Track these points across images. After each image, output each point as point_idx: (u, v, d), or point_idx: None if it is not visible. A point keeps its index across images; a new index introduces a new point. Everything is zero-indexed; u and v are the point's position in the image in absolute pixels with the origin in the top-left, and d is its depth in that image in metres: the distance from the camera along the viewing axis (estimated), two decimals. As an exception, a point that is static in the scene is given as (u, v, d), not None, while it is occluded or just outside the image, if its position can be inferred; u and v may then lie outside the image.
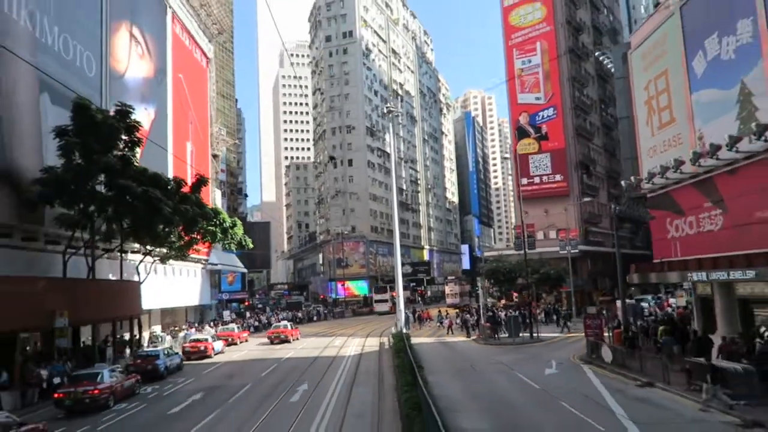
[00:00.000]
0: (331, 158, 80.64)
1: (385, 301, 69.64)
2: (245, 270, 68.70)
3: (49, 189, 24.38)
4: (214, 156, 56.66)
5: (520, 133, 56.09)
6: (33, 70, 26.06)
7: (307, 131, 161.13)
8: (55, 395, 19.06)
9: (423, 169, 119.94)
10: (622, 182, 26.26)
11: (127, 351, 30.16)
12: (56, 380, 21.97)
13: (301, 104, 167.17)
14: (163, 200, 25.15)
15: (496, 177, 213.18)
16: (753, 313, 20.66)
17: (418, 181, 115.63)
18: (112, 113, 25.93)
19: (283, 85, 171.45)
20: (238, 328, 43.08)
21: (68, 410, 18.81)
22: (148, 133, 36.75)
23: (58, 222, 25.10)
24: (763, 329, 19.59)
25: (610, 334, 26.92)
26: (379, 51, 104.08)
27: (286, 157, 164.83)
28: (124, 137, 25.75)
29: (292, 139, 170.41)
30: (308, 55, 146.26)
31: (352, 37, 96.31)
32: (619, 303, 30.67)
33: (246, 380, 23.84)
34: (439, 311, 50.08)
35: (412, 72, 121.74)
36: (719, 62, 19.94)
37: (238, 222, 35.47)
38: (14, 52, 23.96)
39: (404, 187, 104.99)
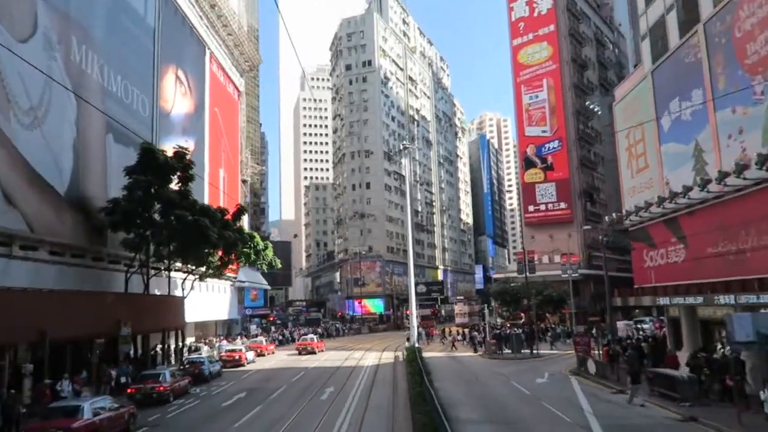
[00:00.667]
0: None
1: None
2: (269, 287, 72.94)
3: (116, 217, 28.87)
4: (243, 181, 61.39)
5: (527, 163, 60.14)
6: (102, 115, 30.82)
7: (326, 152, 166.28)
8: (129, 390, 23.26)
9: (438, 191, 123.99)
10: (606, 218, 30.21)
11: (172, 358, 34.43)
12: (122, 379, 26.23)
13: (320, 126, 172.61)
14: (211, 228, 29.58)
15: (511, 198, 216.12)
16: (711, 332, 24.32)
17: (433, 203, 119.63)
18: (170, 154, 30.52)
19: (304, 108, 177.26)
20: (265, 340, 47.27)
21: (138, 403, 22.90)
22: (174, 153, 41.51)
23: (125, 245, 29.59)
24: (719, 347, 23.24)
25: (600, 350, 30.59)
26: (397, 79, 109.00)
27: (306, 177, 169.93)
28: (179, 173, 30.28)
29: (311, 160, 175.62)
30: (328, 79, 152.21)
31: (371, 66, 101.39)
32: (619, 323, 34.33)
33: (280, 383, 27.92)
34: (443, 329, 53.83)
35: (428, 98, 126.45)
36: (680, 121, 23.91)
37: (270, 245, 39.87)
38: (89, 102, 28.68)
39: (419, 209, 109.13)
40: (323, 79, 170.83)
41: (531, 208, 58.96)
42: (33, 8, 26.09)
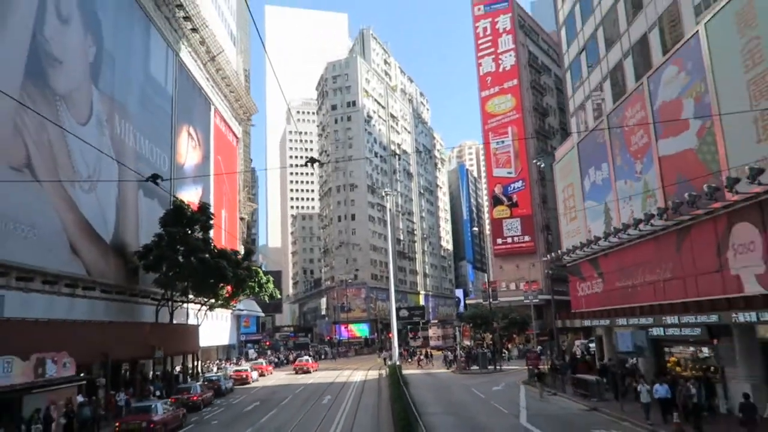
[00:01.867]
0: (315, 160, 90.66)
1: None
2: (263, 314, 78.90)
3: (150, 261, 35.31)
4: (241, 219, 67.95)
5: (495, 201, 67.65)
6: (135, 175, 37.45)
7: (312, 182, 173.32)
8: (171, 399, 29.53)
9: (419, 220, 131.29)
10: (547, 256, 37.44)
11: (188, 377, 40.59)
12: (157, 393, 32.44)
13: (306, 158, 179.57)
14: (227, 268, 36.19)
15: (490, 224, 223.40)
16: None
17: (415, 232, 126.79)
18: (187, 201, 37.27)
19: (290, 140, 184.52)
20: (265, 362, 53.46)
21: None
22: (197, 207, 48.20)
23: (156, 283, 36.01)
24: (632, 360, 30.22)
25: (548, 364, 37.47)
26: (379, 116, 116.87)
27: (292, 207, 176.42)
28: (201, 224, 36.98)
29: (297, 190, 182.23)
30: (313, 112, 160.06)
31: (355, 106, 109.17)
32: (577, 341, 41.29)
33: (286, 395, 34.35)
34: (412, 349, 60.61)
35: (409, 132, 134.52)
36: (595, 185, 31.28)
37: (271, 278, 46.36)
38: (128, 167, 35.36)
39: (402, 238, 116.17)
40: (309, 113, 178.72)
41: (499, 240, 66.33)
42: (89, 97, 32.90)
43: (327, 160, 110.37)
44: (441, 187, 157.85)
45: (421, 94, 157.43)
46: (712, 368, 23.05)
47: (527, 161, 63.35)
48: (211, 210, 40.09)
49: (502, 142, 66.92)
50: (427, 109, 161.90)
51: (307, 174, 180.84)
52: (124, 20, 38.12)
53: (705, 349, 23.76)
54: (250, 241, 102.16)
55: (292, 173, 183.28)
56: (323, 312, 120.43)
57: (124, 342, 30.64)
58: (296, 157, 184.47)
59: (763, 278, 18.31)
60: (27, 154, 26.54)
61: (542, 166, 49.96)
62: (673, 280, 23.76)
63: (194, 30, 49.14)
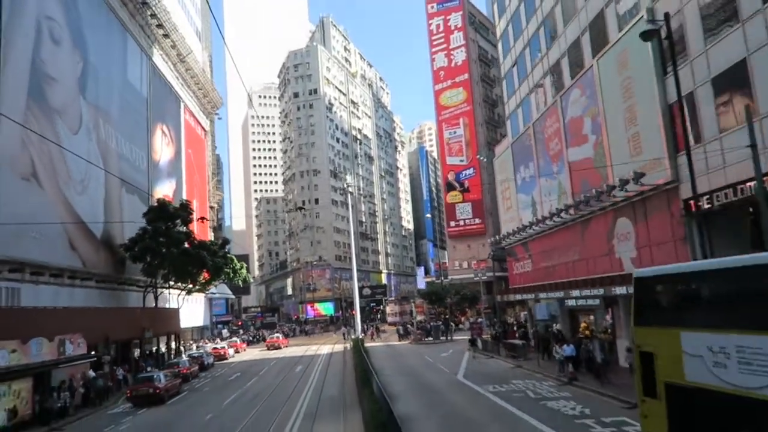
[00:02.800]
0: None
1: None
2: (234, 297, 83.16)
3: (136, 252, 39.42)
4: (211, 207, 71.76)
5: (449, 186, 73.25)
6: (118, 174, 41.31)
7: (275, 166, 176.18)
8: (129, 391, 34.07)
9: (380, 202, 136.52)
10: (489, 240, 43.14)
11: (173, 355, 45.05)
12: (149, 368, 36.94)
13: (269, 141, 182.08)
14: (207, 257, 40.65)
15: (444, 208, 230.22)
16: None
17: (376, 213, 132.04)
18: (178, 205, 41.46)
19: (252, 125, 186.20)
20: (239, 340, 58.21)
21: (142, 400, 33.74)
22: (172, 199, 52.19)
23: (144, 273, 40.22)
24: (556, 326, 36.19)
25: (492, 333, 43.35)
26: (340, 103, 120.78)
27: (256, 190, 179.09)
28: (182, 215, 41.22)
29: (261, 174, 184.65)
30: (274, 96, 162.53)
31: (316, 94, 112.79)
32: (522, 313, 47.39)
33: (262, 367, 39.33)
34: (365, 325, 66.21)
35: (369, 117, 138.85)
36: (524, 181, 36.89)
37: (244, 264, 50.92)
38: (112, 173, 39.22)
39: (364, 220, 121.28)
40: (271, 97, 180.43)
41: (452, 223, 72.10)
42: (79, 108, 36.58)
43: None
44: (401, 169, 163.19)
45: (381, 79, 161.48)
46: (609, 330, 29.04)
47: (477, 150, 68.85)
48: (192, 206, 44.13)
49: (455, 132, 72.30)
50: (387, 93, 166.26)
51: (270, 158, 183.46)
52: (104, 33, 41.51)
53: (608, 317, 29.76)
54: (218, 226, 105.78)
55: (255, 158, 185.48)
56: (289, 292, 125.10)
57: (120, 325, 35.06)
58: (259, 141, 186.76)
59: (635, 260, 24.09)
60: (32, 165, 30.40)
61: (484, 160, 55.46)
62: (579, 261, 29.56)
63: (165, 35, 52.46)
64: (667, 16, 17.29)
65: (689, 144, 17.58)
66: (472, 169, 69.39)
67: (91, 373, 28.49)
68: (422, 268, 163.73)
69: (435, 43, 74.72)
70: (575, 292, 28.60)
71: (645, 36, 16.37)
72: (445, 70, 73.58)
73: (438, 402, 21.35)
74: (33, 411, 22.76)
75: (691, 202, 19.83)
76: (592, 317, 30.08)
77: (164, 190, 52.92)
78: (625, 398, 18.79)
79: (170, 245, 40.04)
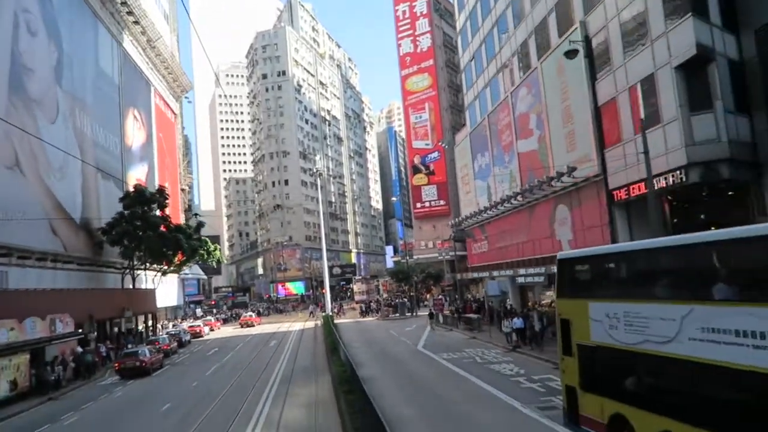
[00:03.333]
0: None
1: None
2: (206, 277, 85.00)
3: (114, 236, 41.28)
4: (182, 189, 73.18)
5: (414, 170, 76.07)
6: (94, 160, 42.87)
7: (243, 146, 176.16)
8: (117, 364, 36.41)
9: (350, 182, 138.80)
10: (449, 222, 46.23)
11: (150, 333, 47.22)
12: (130, 345, 39.15)
13: (236, 121, 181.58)
14: (183, 240, 42.75)
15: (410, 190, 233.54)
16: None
17: (345, 194, 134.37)
18: (154, 190, 43.25)
19: (220, 104, 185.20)
20: (213, 319, 60.52)
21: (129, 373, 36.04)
22: (145, 183, 53.86)
23: (122, 255, 42.13)
24: (509, 301, 39.57)
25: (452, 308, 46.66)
26: (309, 84, 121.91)
27: (224, 170, 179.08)
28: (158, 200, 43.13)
29: (229, 154, 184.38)
30: (242, 75, 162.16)
31: (285, 75, 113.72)
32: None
33: (237, 343, 41.89)
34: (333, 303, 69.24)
35: (338, 98, 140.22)
36: (481, 168, 39.89)
37: (218, 246, 53.04)
38: (86, 162, 40.79)
39: (333, 200, 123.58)
40: (238, 76, 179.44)
41: (418, 204, 75.14)
42: (56, 97, 37.98)
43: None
44: (370, 150, 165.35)
45: (350, 60, 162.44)
46: (552, 303, 32.45)
47: (442, 134, 71.65)
48: (167, 191, 45.99)
49: (420, 116, 74.93)
50: (356, 74, 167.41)
51: (238, 138, 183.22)
52: (77, 22, 42.62)
53: (548, 292, 33.17)
54: (188, 208, 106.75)
55: (223, 137, 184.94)
56: (260, 272, 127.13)
57: (102, 304, 37.18)
58: (226, 120, 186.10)
59: (572, 242, 27.32)
60: (15, 154, 32.02)
61: (446, 147, 58.33)
62: (527, 242, 32.80)
63: (135, 22, 53.46)
64: (587, 39, 20.23)
65: (603, 144, 20.65)
66: (437, 152, 72.22)
67: (79, 349, 30.69)
68: (391, 247, 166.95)
69: (401, 29, 76.77)
70: (523, 271, 31.86)
71: (568, 55, 19.25)
72: (411, 56, 75.84)
73: (397, 367, 24.40)
74: (30, 383, 25.00)
75: (614, 192, 23.07)
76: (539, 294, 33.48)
77: (137, 174, 54.42)
78: (556, 361, 22.07)
79: (147, 229, 42.03)
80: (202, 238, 50.93)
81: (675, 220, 21.53)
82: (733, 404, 8.15)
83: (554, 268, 27.20)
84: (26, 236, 32.27)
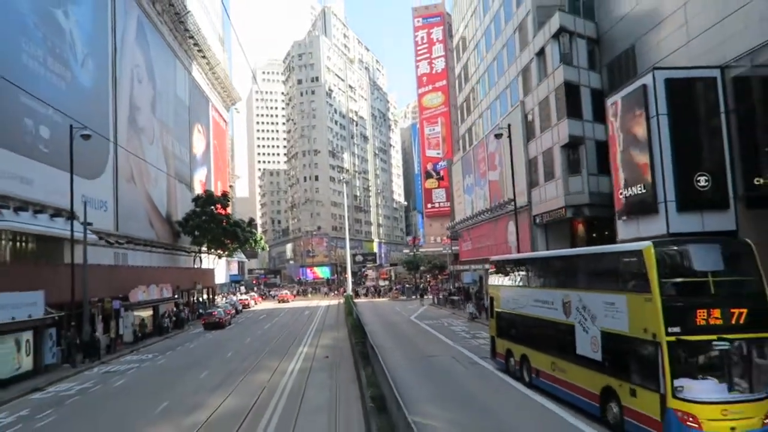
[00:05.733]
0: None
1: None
2: (246, 260, 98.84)
3: (189, 228, 54.65)
4: (230, 186, 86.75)
5: (427, 175, 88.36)
6: (173, 171, 56.23)
7: (277, 138, 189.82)
8: (213, 313, 49.81)
9: (374, 177, 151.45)
10: (446, 225, 58.60)
11: (210, 302, 60.79)
12: (201, 310, 52.59)
13: (271, 116, 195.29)
14: (240, 233, 56.05)
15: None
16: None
17: (369, 188, 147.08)
18: (219, 194, 56.66)
19: (257, 99, 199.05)
20: (256, 295, 74.21)
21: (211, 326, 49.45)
22: (205, 183, 67.51)
23: (193, 242, 55.62)
24: (474, 288, 51.84)
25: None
26: (339, 89, 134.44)
27: (259, 161, 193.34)
28: (222, 202, 56.46)
29: (263, 146, 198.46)
30: (278, 72, 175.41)
31: (318, 81, 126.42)
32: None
33: (279, 312, 55.14)
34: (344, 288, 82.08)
35: (365, 99, 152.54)
36: (468, 186, 52.08)
37: (263, 236, 66.23)
38: (168, 173, 54.16)
39: (358, 194, 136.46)
40: (275, 73, 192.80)
41: (429, 205, 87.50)
42: (152, 124, 51.24)
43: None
44: (394, 146, 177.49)
45: (377, 61, 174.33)
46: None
47: (451, 146, 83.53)
48: (228, 194, 59.32)
49: (434, 129, 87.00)
50: (383, 75, 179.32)
51: (272, 132, 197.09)
52: (164, 64, 55.88)
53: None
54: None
55: (258, 130, 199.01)
56: (288, 256, 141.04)
57: (182, 279, 50.75)
58: (262, 115, 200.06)
59: (515, 249, 39.42)
60: (131, 171, 45.46)
61: (447, 165, 70.52)
62: (493, 245, 45.00)
63: (201, 54, 66.65)
64: (509, 127, 32.36)
65: (531, 184, 32.89)
66: (446, 161, 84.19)
67: (174, 309, 44.18)
68: (411, 238, 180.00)
69: (419, 52, 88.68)
70: (488, 266, 44.13)
71: (496, 136, 31.46)
72: (427, 76, 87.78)
73: (391, 327, 37.20)
74: (153, 327, 38.43)
75: (535, 216, 35.34)
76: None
77: (199, 176, 67.93)
78: (491, 325, 34.51)
79: (212, 223, 55.41)
80: (253, 231, 64.29)
81: (577, 237, 33.69)
82: (550, 337, 16.84)
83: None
84: (136, 229, 45.76)
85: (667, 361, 10.98)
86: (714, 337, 11.04)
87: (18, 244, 31.17)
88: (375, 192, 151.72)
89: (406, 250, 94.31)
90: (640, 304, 11.93)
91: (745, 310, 11.35)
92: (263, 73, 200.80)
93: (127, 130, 44.91)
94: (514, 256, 26.51)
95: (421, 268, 76.67)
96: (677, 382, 10.92)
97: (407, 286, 68.21)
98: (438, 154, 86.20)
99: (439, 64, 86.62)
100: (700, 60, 23.17)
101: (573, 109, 30.72)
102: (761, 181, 20.58)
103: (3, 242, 29.15)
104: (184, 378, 21.67)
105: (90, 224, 29.61)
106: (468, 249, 54.21)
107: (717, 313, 11.29)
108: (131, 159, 45.16)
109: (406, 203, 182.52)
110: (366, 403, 13.71)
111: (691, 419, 10.68)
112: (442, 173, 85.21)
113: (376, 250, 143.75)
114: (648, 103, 22.21)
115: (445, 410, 15.00)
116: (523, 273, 20.40)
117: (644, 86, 22.45)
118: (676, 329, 11.10)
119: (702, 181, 21.44)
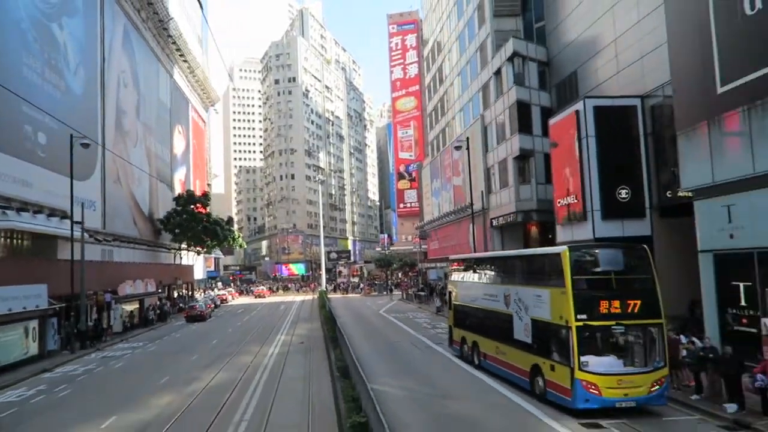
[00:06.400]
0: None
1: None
2: (223, 257, 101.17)
3: (170, 226, 57.25)
4: (208, 184, 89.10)
5: (400, 176, 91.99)
6: (156, 171, 58.75)
7: (254, 137, 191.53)
8: (193, 306, 52.64)
9: (349, 176, 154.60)
10: (415, 225, 62.28)
11: (189, 297, 63.45)
12: (181, 304, 55.36)
13: (248, 113, 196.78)
14: (219, 231, 58.86)
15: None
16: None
17: (345, 187, 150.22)
18: (200, 193, 59.33)
19: (233, 96, 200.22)
20: (233, 290, 76.95)
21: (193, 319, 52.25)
22: (184, 182, 70.06)
23: (173, 240, 58.24)
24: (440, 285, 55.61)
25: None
26: (316, 89, 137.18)
27: (235, 159, 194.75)
28: (202, 201, 59.17)
29: (240, 143, 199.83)
30: (255, 70, 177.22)
31: (295, 82, 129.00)
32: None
33: (256, 306, 58.16)
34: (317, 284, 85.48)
35: (342, 99, 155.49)
36: (435, 189, 55.76)
37: (241, 234, 69.01)
38: (150, 173, 56.70)
39: (333, 192, 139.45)
40: (251, 71, 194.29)
41: (402, 205, 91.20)
42: (136, 128, 53.74)
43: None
44: (369, 146, 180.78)
45: (354, 62, 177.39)
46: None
47: (423, 148, 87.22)
48: (208, 192, 62.03)
49: (406, 132, 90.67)
50: (360, 75, 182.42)
51: (250, 129, 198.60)
52: (148, 69, 58.29)
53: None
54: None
55: (235, 128, 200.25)
56: (263, 253, 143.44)
57: (164, 274, 53.44)
58: (238, 112, 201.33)
59: (474, 249, 43.17)
60: (117, 172, 48.01)
61: (417, 169, 74.28)
62: (457, 245, 48.74)
63: (183, 58, 69.06)
64: (468, 140, 36.05)
65: (489, 190, 36.66)
66: (418, 163, 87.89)
67: (157, 302, 46.94)
68: (385, 236, 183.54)
69: (393, 58, 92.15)
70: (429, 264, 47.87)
71: (456, 148, 35.11)
72: (401, 81, 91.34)
73: (360, 318, 40.67)
74: (139, 319, 41.21)
75: (492, 220, 39.12)
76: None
77: (179, 175, 70.36)
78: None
79: (192, 221, 58.10)
80: (232, 229, 67.09)
81: (530, 238, 37.54)
82: (495, 325, 20.13)
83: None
84: (121, 226, 48.34)
85: (575, 341, 14.06)
86: (613, 323, 14.29)
87: (15, 241, 33.77)
88: (350, 190, 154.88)
89: (378, 248, 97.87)
90: (558, 296, 15.04)
91: (639, 302, 14.51)
92: (240, 70, 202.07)
93: (113, 134, 47.42)
94: (468, 255, 30.14)
95: (393, 265, 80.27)
96: (583, 359, 14.01)
97: (377, 282, 71.70)
98: (410, 156, 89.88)
99: (413, 70, 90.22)
100: (627, 89, 27.12)
101: (524, 125, 34.54)
102: (671, 194, 24.56)
103: (5, 240, 31.76)
104: (177, 360, 24.80)
105: (80, 223, 32.40)
106: (435, 248, 57.92)
107: (617, 303, 14.42)
108: (117, 161, 47.71)
109: (380, 202, 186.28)
110: (333, 372, 17.13)
111: (593, 387, 13.83)
112: (414, 175, 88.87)
113: (350, 247, 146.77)
114: (579, 126, 26.05)
115: (398, 381, 18.51)
116: (475, 270, 23.65)
117: (577, 111, 26.28)
118: (584, 316, 14.22)
119: (623, 193, 25.35)
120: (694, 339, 16.22)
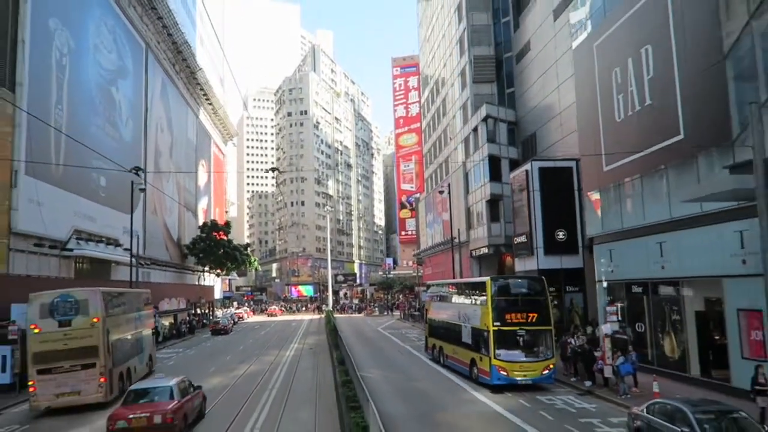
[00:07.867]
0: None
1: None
2: (236, 278, 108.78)
3: (196, 251, 65.03)
4: (226, 212, 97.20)
5: (402, 206, 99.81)
6: (183, 202, 66.75)
7: (266, 162, 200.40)
8: (211, 327, 59.94)
9: (356, 203, 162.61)
10: (413, 252, 69.72)
11: (211, 315, 70.92)
12: (205, 321, 62.76)
13: (261, 140, 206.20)
14: (239, 256, 66.58)
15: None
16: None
17: (352, 213, 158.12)
18: (222, 222, 67.29)
19: (247, 124, 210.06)
20: (249, 309, 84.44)
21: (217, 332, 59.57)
22: (206, 210, 78.13)
23: (199, 263, 65.99)
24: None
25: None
26: (326, 121, 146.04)
27: (248, 184, 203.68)
28: (224, 229, 67.03)
29: (252, 169, 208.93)
30: (269, 99, 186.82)
31: (306, 114, 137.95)
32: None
33: (270, 324, 65.52)
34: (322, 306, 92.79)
35: (350, 130, 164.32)
36: (429, 221, 63.26)
37: (257, 259, 76.67)
38: (179, 202, 64.77)
39: (341, 218, 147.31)
40: (265, 100, 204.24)
41: (403, 232, 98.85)
42: (170, 166, 61.95)
43: (282, 170, 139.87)
44: (376, 173, 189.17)
45: (362, 93, 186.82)
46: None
47: (423, 181, 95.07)
48: (225, 221, 70.00)
49: (408, 165, 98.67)
50: (368, 105, 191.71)
51: (262, 156, 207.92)
52: (179, 113, 66.73)
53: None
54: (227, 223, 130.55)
55: (248, 154, 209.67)
56: (274, 275, 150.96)
57: (190, 294, 61.09)
58: (252, 139, 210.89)
59: (460, 275, 50.45)
60: (154, 204, 56.06)
61: (415, 200, 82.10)
62: (445, 271, 56.00)
63: (208, 100, 77.68)
64: (449, 186, 43.69)
65: (469, 226, 44.21)
66: (419, 194, 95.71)
67: (187, 317, 54.48)
68: (391, 259, 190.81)
69: (397, 97, 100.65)
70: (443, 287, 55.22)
71: (440, 193, 42.70)
72: (404, 119, 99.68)
73: (361, 335, 47.97)
74: (171, 332, 48.73)
75: (472, 251, 46.58)
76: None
77: (202, 204, 78.45)
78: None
79: (215, 247, 65.91)
80: (251, 254, 74.85)
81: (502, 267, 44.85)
82: (452, 333, 28.70)
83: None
84: (155, 251, 56.20)
85: (492, 340, 21.72)
86: (517, 328, 21.97)
87: (79, 265, 41.60)
88: (357, 216, 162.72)
89: (380, 273, 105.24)
90: (484, 311, 22.72)
91: (536, 314, 22.10)
92: (254, 100, 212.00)
93: (153, 171, 55.52)
94: (436, 281, 37.44)
95: (395, 288, 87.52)
96: (497, 351, 21.60)
97: (379, 303, 78.99)
98: (411, 187, 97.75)
99: (414, 109, 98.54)
100: (570, 151, 34.74)
101: (495, 175, 42.24)
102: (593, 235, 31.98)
103: (75, 265, 39.59)
104: (215, 359, 32.28)
105: (128, 249, 40.24)
106: (429, 273, 65.26)
107: (521, 315, 22.15)
108: (155, 194, 55.73)
109: (386, 227, 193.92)
110: (333, 363, 24.60)
111: (503, 370, 21.37)
112: (414, 205, 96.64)
113: (356, 270, 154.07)
114: (528, 181, 33.66)
115: (380, 371, 25.91)
116: (440, 293, 31.12)
117: (527, 171, 33.92)
118: (498, 323, 21.96)
119: (560, 234, 32.82)
120: (571, 340, 23.64)
